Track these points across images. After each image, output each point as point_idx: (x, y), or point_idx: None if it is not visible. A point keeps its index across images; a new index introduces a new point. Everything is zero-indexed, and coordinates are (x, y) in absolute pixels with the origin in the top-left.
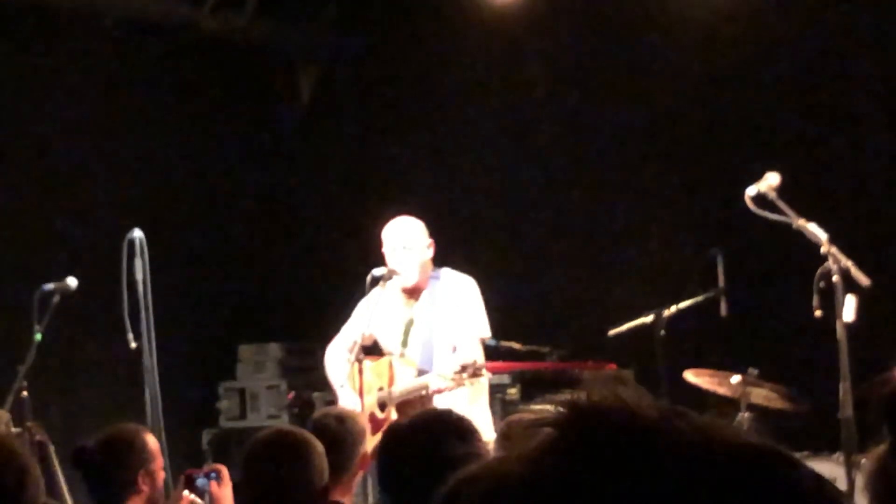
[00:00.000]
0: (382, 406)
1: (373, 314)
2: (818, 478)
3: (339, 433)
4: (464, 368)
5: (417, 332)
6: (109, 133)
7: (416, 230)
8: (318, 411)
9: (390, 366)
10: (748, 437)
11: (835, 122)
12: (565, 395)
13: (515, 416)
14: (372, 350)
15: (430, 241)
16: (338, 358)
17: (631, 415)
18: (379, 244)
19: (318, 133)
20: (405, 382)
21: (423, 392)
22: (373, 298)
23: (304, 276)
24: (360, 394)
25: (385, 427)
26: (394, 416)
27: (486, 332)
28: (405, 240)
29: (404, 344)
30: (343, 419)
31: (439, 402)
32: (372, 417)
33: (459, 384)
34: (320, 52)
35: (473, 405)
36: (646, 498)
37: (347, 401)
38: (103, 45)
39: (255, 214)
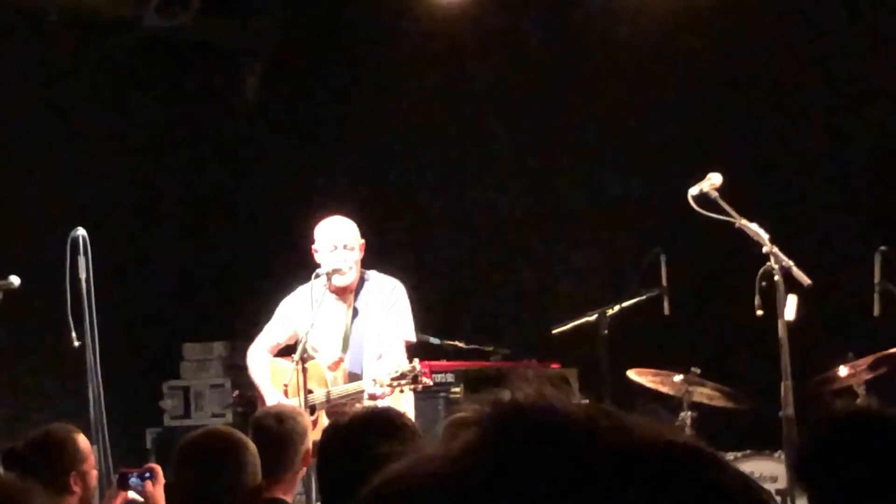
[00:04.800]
0: (312, 410)
1: (315, 314)
2: (744, 478)
3: (279, 432)
4: (402, 376)
5: (347, 334)
6: (52, 130)
7: (353, 229)
8: (259, 411)
9: (320, 369)
10: (674, 436)
11: (776, 123)
12: (492, 394)
13: (458, 415)
14: (290, 350)
15: (363, 241)
16: (260, 358)
17: (554, 414)
18: (310, 241)
19: (262, 131)
20: (338, 386)
21: (356, 398)
22: (311, 298)
23: (248, 275)
24: (306, 393)
25: (314, 430)
26: (323, 418)
27: (411, 335)
28: (345, 238)
29: (344, 349)
30: (283, 418)
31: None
32: None
33: (396, 390)
34: (265, 49)
35: (396, 403)
36: (567, 497)
37: (273, 400)
38: (47, 41)
39: (200, 212)
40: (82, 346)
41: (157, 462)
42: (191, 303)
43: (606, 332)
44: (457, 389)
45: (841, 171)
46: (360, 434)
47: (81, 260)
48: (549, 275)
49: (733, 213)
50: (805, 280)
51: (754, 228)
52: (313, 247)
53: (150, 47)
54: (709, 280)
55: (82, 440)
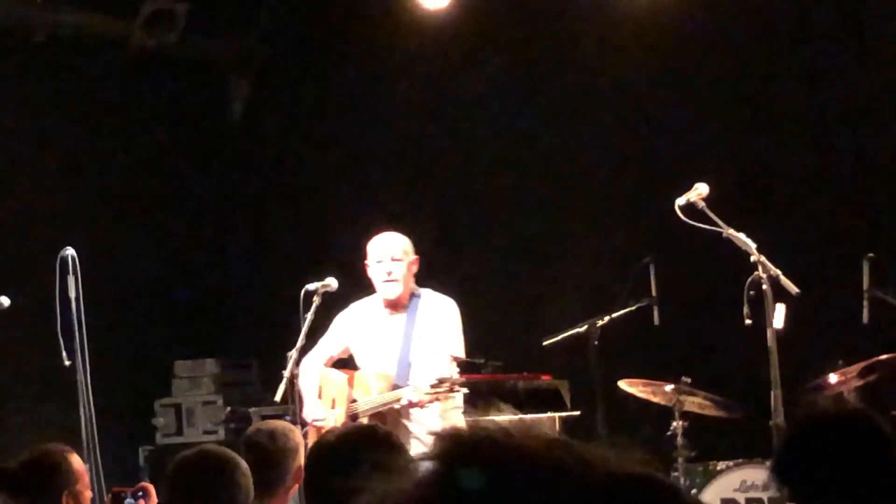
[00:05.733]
0: (354, 418)
1: (353, 328)
2: None
3: (271, 449)
4: (441, 382)
5: (396, 347)
6: (41, 149)
7: (405, 243)
8: (251, 427)
9: (365, 378)
10: (632, 466)
11: (762, 132)
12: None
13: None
14: (347, 363)
15: (415, 257)
16: (312, 370)
17: (512, 448)
18: (363, 256)
19: (250, 148)
20: (378, 395)
21: (396, 405)
22: (354, 312)
23: (238, 292)
24: (300, 408)
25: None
26: None
27: (459, 352)
28: (395, 251)
29: (384, 358)
30: (274, 435)
31: (415, 416)
32: None
33: (435, 398)
34: (252, 66)
35: (445, 421)
36: None
37: (313, 411)
38: (35, 62)
39: (189, 230)
40: (73, 365)
41: (151, 480)
42: (181, 320)
43: (597, 343)
44: None
45: (827, 179)
46: (347, 451)
47: (71, 279)
48: (538, 287)
49: (720, 222)
50: (793, 289)
51: (741, 238)
52: (366, 262)
53: (137, 66)
54: (698, 290)
55: (76, 460)
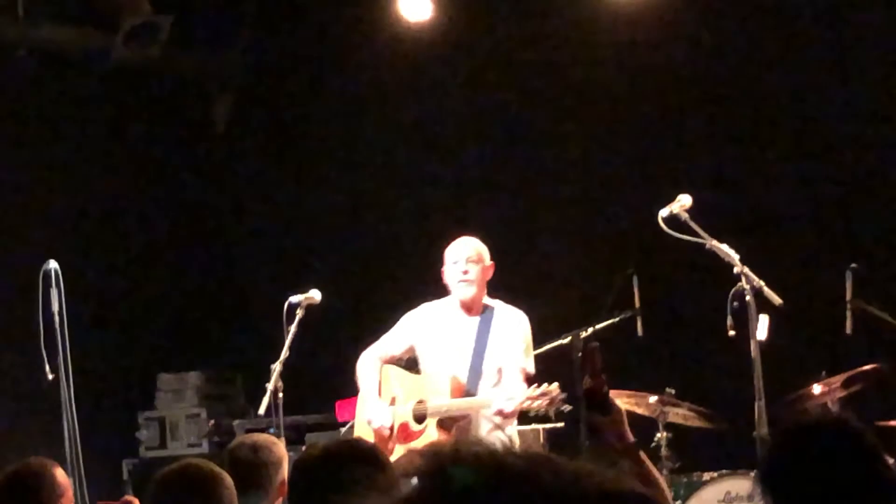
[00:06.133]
0: (421, 419)
1: (423, 327)
2: None
3: (254, 462)
4: (544, 394)
5: (468, 351)
6: (23, 164)
7: (482, 248)
8: (234, 441)
9: (437, 380)
10: (618, 483)
11: (744, 143)
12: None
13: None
14: (409, 362)
15: (491, 263)
16: (372, 366)
17: (495, 465)
18: (440, 262)
19: (233, 161)
20: (462, 399)
21: (474, 413)
22: (424, 312)
23: (222, 304)
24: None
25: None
26: (431, 429)
27: (530, 367)
28: (470, 253)
29: (455, 360)
30: (257, 448)
31: (487, 428)
32: (404, 428)
33: (527, 409)
34: (234, 79)
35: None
36: None
37: (377, 416)
38: (17, 76)
39: (172, 244)
40: (56, 379)
41: (135, 493)
42: (165, 333)
43: (580, 354)
44: None
45: (810, 190)
46: (331, 467)
47: (54, 292)
48: (522, 297)
49: (703, 234)
50: (776, 300)
51: (725, 249)
52: (443, 268)
53: (119, 80)
54: (681, 301)
55: (60, 474)
